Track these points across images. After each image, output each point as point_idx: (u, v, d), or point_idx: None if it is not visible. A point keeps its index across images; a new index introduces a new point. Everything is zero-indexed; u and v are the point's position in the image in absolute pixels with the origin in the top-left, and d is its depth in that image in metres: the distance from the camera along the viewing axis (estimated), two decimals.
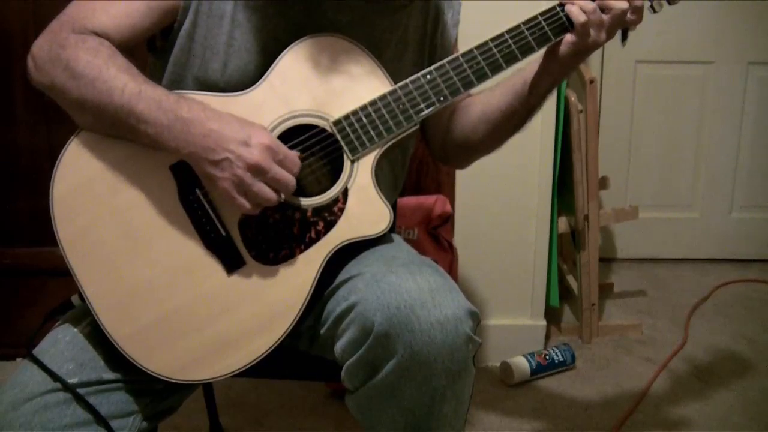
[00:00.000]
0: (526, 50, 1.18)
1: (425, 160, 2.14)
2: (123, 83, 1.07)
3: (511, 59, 1.18)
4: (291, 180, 1.08)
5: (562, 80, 1.26)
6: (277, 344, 1.11)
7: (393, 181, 1.32)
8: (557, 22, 1.17)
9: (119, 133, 1.10)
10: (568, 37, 1.16)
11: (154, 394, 1.14)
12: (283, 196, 1.10)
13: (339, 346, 1.09)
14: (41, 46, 1.12)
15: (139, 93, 1.06)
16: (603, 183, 2.47)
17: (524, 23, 1.18)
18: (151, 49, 1.25)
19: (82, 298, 1.12)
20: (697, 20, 2.73)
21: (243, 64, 1.18)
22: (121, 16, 1.14)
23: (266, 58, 1.18)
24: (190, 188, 1.12)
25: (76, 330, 1.13)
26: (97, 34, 1.12)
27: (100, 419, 1.06)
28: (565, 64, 1.19)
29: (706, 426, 1.91)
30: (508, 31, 1.18)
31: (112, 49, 1.11)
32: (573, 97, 2.21)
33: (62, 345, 1.11)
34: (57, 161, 1.11)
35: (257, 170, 1.06)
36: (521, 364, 2.12)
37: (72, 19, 1.14)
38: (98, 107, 1.08)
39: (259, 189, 1.07)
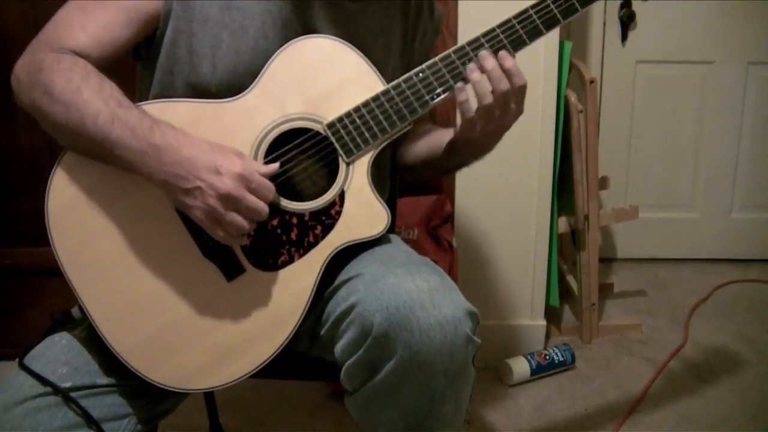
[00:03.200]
0: (518, 44, 1.17)
1: None
2: (96, 110, 1.05)
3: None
4: (264, 209, 1.06)
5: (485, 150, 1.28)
6: (279, 350, 1.12)
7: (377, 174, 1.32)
8: (548, 14, 1.17)
9: (97, 157, 1.08)
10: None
11: (149, 397, 1.14)
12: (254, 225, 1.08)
13: (339, 346, 1.10)
14: (22, 68, 1.11)
15: (112, 121, 1.05)
16: (603, 183, 2.47)
17: (515, 17, 1.17)
18: (137, 57, 1.24)
19: (82, 311, 1.12)
20: (697, 20, 2.73)
21: (232, 65, 1.17)
22: (99, 31, 1.13)
23: (256, 57, 1.17)
24: None
25: (72, 334, 1.14)
26: (75, 52, 1.11)
27: (91, 422, 1.07)
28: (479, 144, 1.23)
29: (706, 426, 1.91)
30: (499, 26, 1.17)
31: (86, 69, 1.08)
32: (573, 97, 2.21)
33: (57, 348, 1.12)
34: (50, 176, 1.10)
35: (229, 200, 1.04)
36: (521, 364, 2.12)
37: (49, 38, 1.12)
38: (73, 134, 1.07)
39: (232, 219, 1.05)
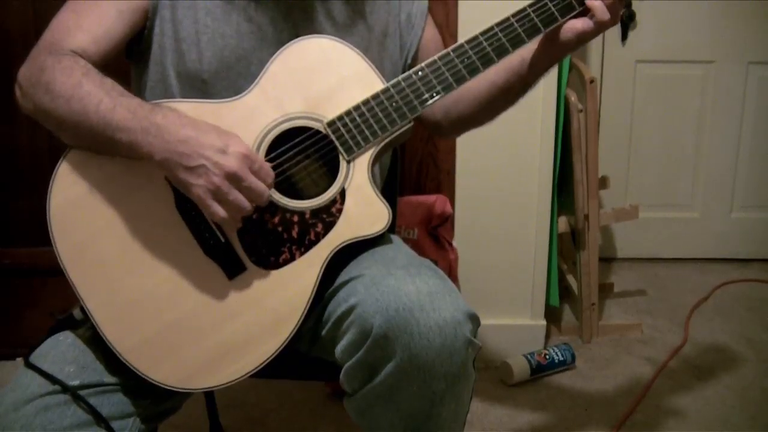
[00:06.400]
0: (517, 43, 1.18)
1: (425, 161, 2.14)
2: (98, 100, 1.06)
3: (502, 52, 1.18)
4: (265, 191, 1.07)
5: (561, 59, 1.26)
6: (281, 348, 1.11)
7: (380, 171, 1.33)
8: (546, 13, 1.17)
9: (99, 148, 1.09)
10: (577, 25, 1.16)
11: (155, 395, 1.14)
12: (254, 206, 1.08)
13: (339, 348, 1.10)
14: (24, 73, 1.13)
15: (113, 107, 1.06)
16: (603, 183, 2.47)
17: (514, 15, 1.18)
18: (130, 56, 1.26)
19: (83, 311, 1.12)
20: (697, 20, 2.73)
21: (218, 49, 1.19)
22: (93, 27, 1.15)
23: (241, 40, 1.20)
24: (187, 197, 1.11)
25: (76, 333, 1.14)
26: (75, 51, 1.13)
27: (100, 420, 1.07)
28: (566, 47, 1.19)
29: (706, 426, 1.91)
30: (497, 24, 1.18)
31: (86, 66, 1.11)
32: (573, 97, 2.21)
33: (63, 347, 1.12)
34: (53, 175, 1.11)
35: (234, 178, 1.04)
36: (521, 364, 2.12)
37: (49, 42, 1.14)
38: (76, 125, 1.08)
39: (235, 197, 1.05)
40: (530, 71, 1.24)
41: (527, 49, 1.23)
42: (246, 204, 1.06)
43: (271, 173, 1.09)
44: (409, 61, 1.36)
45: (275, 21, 1.22)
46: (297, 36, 1.21)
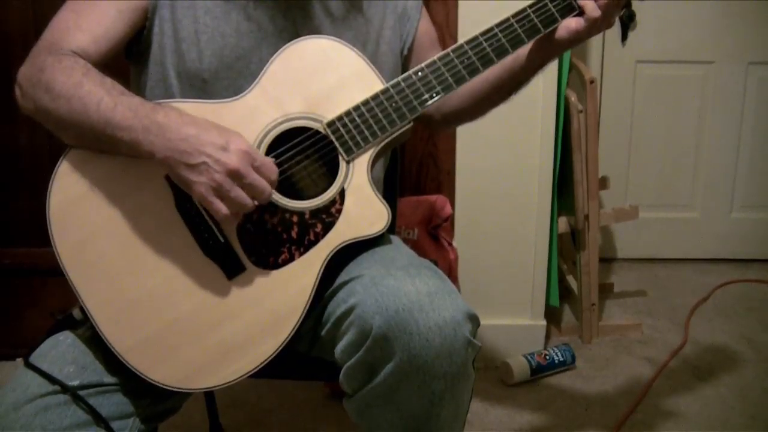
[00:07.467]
0: (517, 43, 1.18)
1: (425, 161, 2.14)
2: (98, 98, 1.06)
3: (502, 52, 1.18)
4: (267, 187, 1.07)
5: (555, 58, 1.26)
6: (281, 348, 1.11)
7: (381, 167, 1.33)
8: (546, 13, 1.17)
9: (101, 146, 1.09)
10: (571, 24, 1.16)
11: (155, 395, 1.14)
12: (257, 203, 1.08)
13: (338, 348, 1.10)
14: (24, 73, 1.13)
15: (114, 106, 1.06)
16: (603, 183, 2.47)
17: (513, 16, 1.18)
18: (130, 56, 1.26)
19: (83, 311, 1.11)
20: (697, 20, 2.73)
21: (218, 48, 1.20)
22: (93, 27, 1.15)
23: (240, 39, 1.20)
24: (187, 197, 1.11)
25: (75, 334, 1.14)
26: (75, 51, 1.13)
27: (100, 420, 1.07)
28: (560, 46, 1.20)
29: (706, 426, 1.91)
30: (497, 25, 1.18)
31: (87, 66, 1.11)
32: (573, 97, 2.21)
33: (63, 347, 1.12)
34: (52, 175, 1.11)
35: (236, 175, 1.04)
36: (521, 364, 2.12)
37: (49, 42, 1.14)
38: (77, 124, 1.08)
39: (237, 194, 1.05)
40: (523, 69, 1.25)
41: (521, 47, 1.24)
42: (248, 201, 1.06)
43: (274, 169, 1.09)
44: (405, 53, 1.36)
45: (274, 19, 1.23)
46: (297, 34, 1.21)
